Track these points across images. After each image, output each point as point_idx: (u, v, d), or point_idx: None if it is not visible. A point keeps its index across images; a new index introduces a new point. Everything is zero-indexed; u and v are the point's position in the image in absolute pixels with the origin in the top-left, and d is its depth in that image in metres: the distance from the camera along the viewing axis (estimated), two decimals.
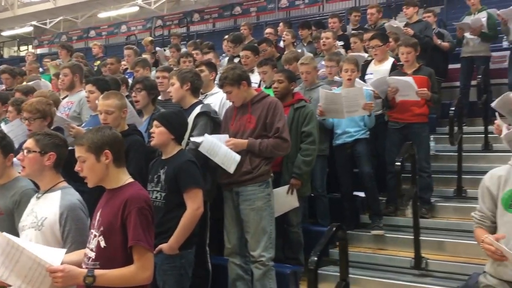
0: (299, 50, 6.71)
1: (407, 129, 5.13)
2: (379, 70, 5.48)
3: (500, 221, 2.49)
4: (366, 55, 6.12)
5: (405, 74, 5.14)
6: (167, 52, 8.63)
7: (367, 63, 5.70)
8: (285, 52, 6.39)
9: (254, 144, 3.76)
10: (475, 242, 2.65)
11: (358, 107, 4.77)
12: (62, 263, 2.25)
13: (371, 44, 5.57)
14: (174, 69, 4.89)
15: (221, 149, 3.72)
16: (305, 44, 7.62)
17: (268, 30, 8.30)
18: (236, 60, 6.68)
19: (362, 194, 5.17)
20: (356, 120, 4.98)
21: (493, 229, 2.58)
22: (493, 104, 4.18)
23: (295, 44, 7.34)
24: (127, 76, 6.37)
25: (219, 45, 8.89)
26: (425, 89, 4.96)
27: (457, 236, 4.66)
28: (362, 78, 5.44)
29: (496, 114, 3.79)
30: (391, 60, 5.54)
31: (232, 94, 3.88)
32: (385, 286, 4.35)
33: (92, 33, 19.62)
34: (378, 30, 6.90)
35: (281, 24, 8.76)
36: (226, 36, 8.29)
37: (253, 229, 3.72)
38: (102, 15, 22.04)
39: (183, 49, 8.22)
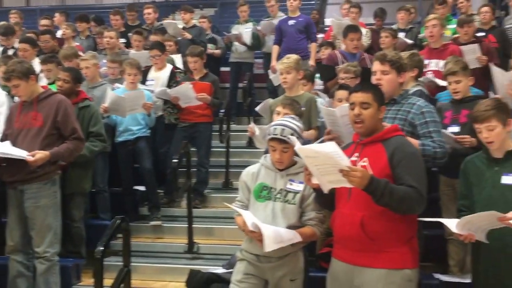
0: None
1: (193, 128, 5.63)
2: (159, 76, 5.78)
3: (252, 208, 3.03)
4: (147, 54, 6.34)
5: (193, 80, 5.63)
6: None
7: (147, 68, 5.91)
8: (64, 47, 6.25)
9: (58, 154, 3.79)
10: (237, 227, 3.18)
11: (138, 107, 5.09)
12: None
13: (152, 54, 5.78)
14: None
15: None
16: (83, 38, 7.49)
17: (43, 21, 7.84)
18: (10, 52, 6.29)
19: (142, 188, 5.48)
20: (138, 119, 5.27)
21: None
22: (257, 108, 4.95)
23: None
24: None
25: None
26: (204, 94, 5.45)
27: (224, 222, 5.22)
28: (144, 82, 5.72)
29: (251, 119, 4.50)
30: (170, 67, 5.88)
31: (20, 88, 3.84)
32: (162, 270, 4.75)
33: None
34: (156, 30, 7.25)
35: (57, 14, 8.39)
36: None
37: (39, 226, 3.76)
38: None
39: None
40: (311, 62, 6.27)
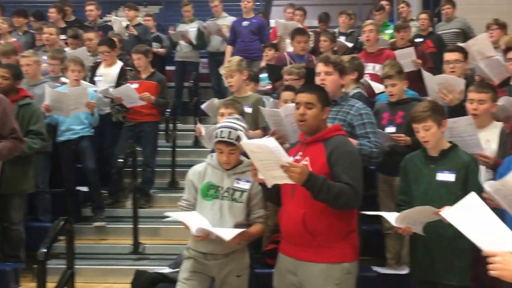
0: None
1: (138, 127, 5.59)
2: (108, 73, 5.73)
3: (199, 207, 3.08)
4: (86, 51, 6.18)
5: (140, 78, 5.59)
6: None
7: (96, 64, 5.86)
8: (1, 43, 6.04)
9: None
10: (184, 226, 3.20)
11: (81, 105, 5.00)
12: None
13: (101, 50, 5.73)
14: None
15: None
16: (21, 34, 7.22)
17: None
18: None
19: (84, 189, 5.39)
20: (81, 118, 5.18)
21: None
22: (203, 106, 4.99)
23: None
24: None
25: None
26: (148, 93, 5.42)
27: (170, 222, 5.11)
28: (92, 78, 5.66)
29: (197, 119, 4.54)
30: (120, 63, 5.84)
31: None
32: (106, 272, 4.70)
33: None
34: (98, 27, 7.14)
35: None
36: None
37: None
38: None
39: None
40: (263, 63, 6.38)
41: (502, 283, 1.91)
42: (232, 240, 2.82)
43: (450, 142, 3.13)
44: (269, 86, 5.50)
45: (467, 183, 2.92)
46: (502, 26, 6.05)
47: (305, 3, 8.83)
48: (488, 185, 2.61)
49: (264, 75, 5.67)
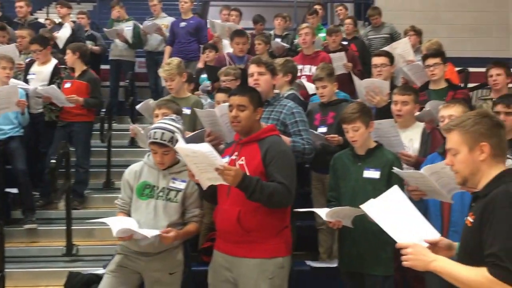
0: None
1: (70, 127, 5.50)
2: (41, 71, 5.62)
3: (134, 206, 3.12)
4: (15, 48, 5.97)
5: (72, 78, 5.50)
6: None
7: (31, 62, 5.73)
8: None
9: None
10: None
11: (11, 104, 4.86)
12: None
13: (33, 48, 5.59)
14: None
15: None
16: None
17: None
18: None
19: (14, 190, 5.23)
20: (10, 117, 5.04)
21: None
22: (137, 107, 4.96)
23: None
24: None
25: None
26: (75, 96, 5.32)
27: (105, 223, 5.24)
28: (25, 77, 5.53)
29: (131, 120, 4.52)
30: (54, 61, 5.72)
31: None
32: (38, 274, 4.61)
33: None
34: (29, 24, 6.91)
35: None
36: None
37: None
38: None
39: None
40: (200, 64, 6.41)
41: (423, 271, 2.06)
42: (165, 238, 2.86)
43: (375, 141, 3.32)
44: (209, 87, 5.57)
45: (391, 180, 3.10)
46: (418, 33, 6.47)
47: (241, 4, 8.94)
48: (424, 169, 2.85)
49: (204, 76, 5.73)
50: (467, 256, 1.99)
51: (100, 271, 3.98)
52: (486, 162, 2.02)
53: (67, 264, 4.69)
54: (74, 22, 7.39)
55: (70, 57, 5.53)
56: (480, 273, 1.87)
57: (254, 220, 2.82)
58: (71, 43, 6.00)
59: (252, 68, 3.49)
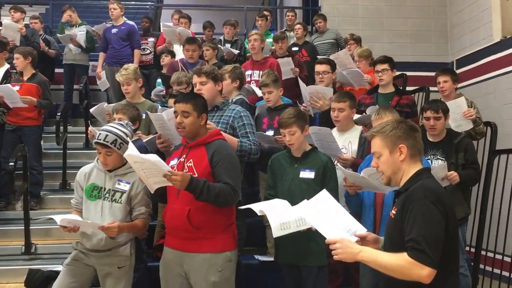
0: None
1: (20, 131, 5.62)
2: None
3: (84, 206, 3.32)
4: None
5: (21, 81, 5.61)
6: None
7: None
8: None
9: None
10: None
11: None
12: None
13: None
14: None
15: None
16: None
17: None
18: None
19: None
20: None
21: None
22: (91, 110, 5.14)
23: None
24: None
25: None
26: (29, 96, 5.45)
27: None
28: None
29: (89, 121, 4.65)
30: (6, 66, 5.82)
31: None
32: None
33: None
34: None
35: None
36: None
37: None
38: None
39: None
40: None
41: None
42: (108, 229, 3.09)
43: (310, 144, 3.60)
44: (163, 92, 5.80)
45: (325, 179, 3.40)
46: (357, 41, 6.90)
47: (193, 8, 9.11)
48: (363, 172, 3.11)
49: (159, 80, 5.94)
50: (391, 246, 2.23)
51: (58, 268, 4.10)
52: (405, 161, 2.32)
53: (26, 262, 4.81)
54: (27, 26, 7.42)
55: (21, 62, 5.61)
56: (401, 257, 2.09)
57: (203, 217, 3.01)
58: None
59: (194, 79, 3.67)
